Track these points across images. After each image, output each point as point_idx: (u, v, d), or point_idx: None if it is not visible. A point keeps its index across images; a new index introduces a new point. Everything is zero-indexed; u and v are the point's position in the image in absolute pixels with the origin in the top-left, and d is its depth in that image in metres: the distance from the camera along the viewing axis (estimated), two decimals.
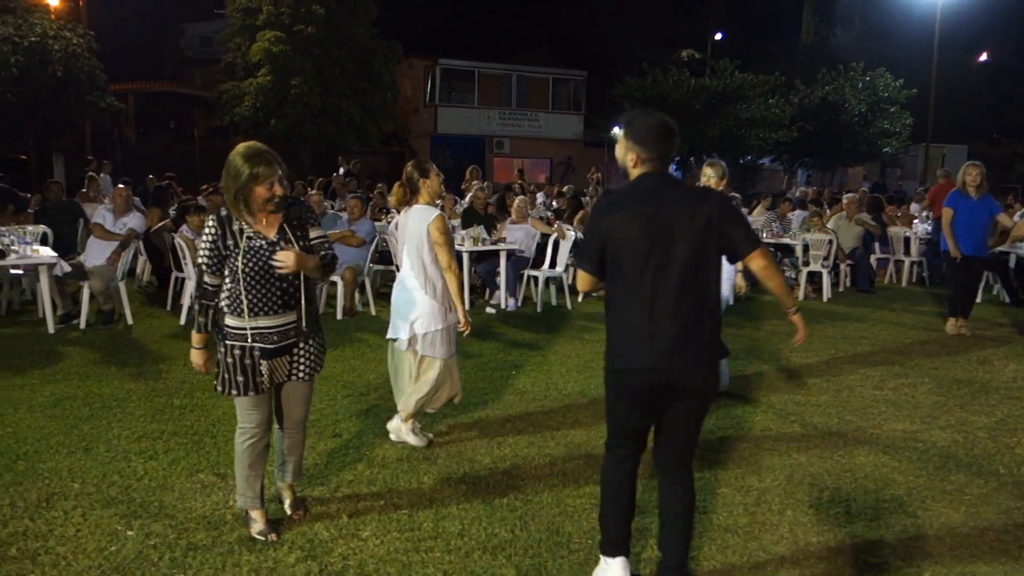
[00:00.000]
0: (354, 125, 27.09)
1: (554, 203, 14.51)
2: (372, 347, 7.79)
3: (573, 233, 10.50)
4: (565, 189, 18.50)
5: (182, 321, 8.72)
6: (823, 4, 41.50)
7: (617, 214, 3.21)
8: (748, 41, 39.40)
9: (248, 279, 3.61)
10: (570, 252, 10.25)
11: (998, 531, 4.20)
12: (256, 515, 3.94)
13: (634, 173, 3.32)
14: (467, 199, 13.38)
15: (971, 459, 5.22)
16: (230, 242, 3.62)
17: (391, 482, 4.66)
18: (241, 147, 3.60)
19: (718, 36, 41.44)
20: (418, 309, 5.00)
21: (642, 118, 3.30)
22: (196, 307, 3.77)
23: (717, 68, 30.26)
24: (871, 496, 4.60)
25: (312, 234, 3.82)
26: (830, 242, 11.29)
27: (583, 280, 3.40)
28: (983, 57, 41.16)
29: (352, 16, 26.84)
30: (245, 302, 3.62)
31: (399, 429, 5.23)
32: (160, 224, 9.84)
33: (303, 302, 3.77)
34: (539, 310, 10.02)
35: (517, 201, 10.67)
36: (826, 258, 11.29)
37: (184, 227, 8.77)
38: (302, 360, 3.86)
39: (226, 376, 3.72)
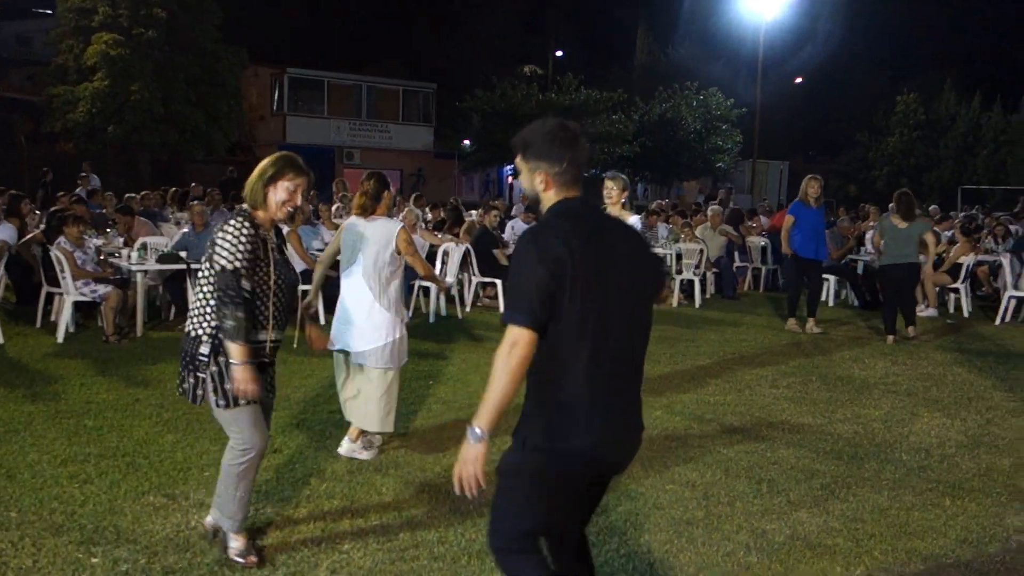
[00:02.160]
0: (199, 133, 26.06)
1: (428, 214, 14.55)
2: (284, 362, 7.57)
3: (459, 245, 10.61)
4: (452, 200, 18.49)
5: (59, 339, 8.15)
6: (656, 24, 43.61)
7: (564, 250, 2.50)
8: (588, 58, 40.78)
9: (278, 291, 3.57)
10: (459, 263, 10.39)
11: (921, 511, 4.63)
12: (242, 536, 3.77)
13: (548, 199, 2.67)
14: (335, 209, 13.30)
15: (876, 448, 5.71)
16: (259, 251, 3.51)
17: (351, 495, 4.61)
18: (277, 153, 3.70)
19: (559, 53, 42.71)
20: (374, 320, 5.05)
21: (534, 128, 2.70)
22: (234, 319, 3.38)
23: (563, 83, 31.25)
24: (803, 485, 4.96)
25: None
26: (701, 251, 11.93)
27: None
28: (799, 80, 44.43)
29: (196, 20, 25.83)
30: (272, 314, 3.54)
31: (352, 449, 5.18)
32: (29, 236, 9.17)
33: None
34: (431, 320, 10.05)
35: (406, 212, 10.66)
36: (697, 266, 11.92)
37: (61, 239, 8.21)
38: (272, 377, 3.85)
39: (227, 387, 3.46)
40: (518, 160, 2.71)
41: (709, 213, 13.50)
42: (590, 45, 44.51)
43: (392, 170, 32.55)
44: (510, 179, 36.04)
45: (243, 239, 3.43)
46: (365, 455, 5.15)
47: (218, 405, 3.52)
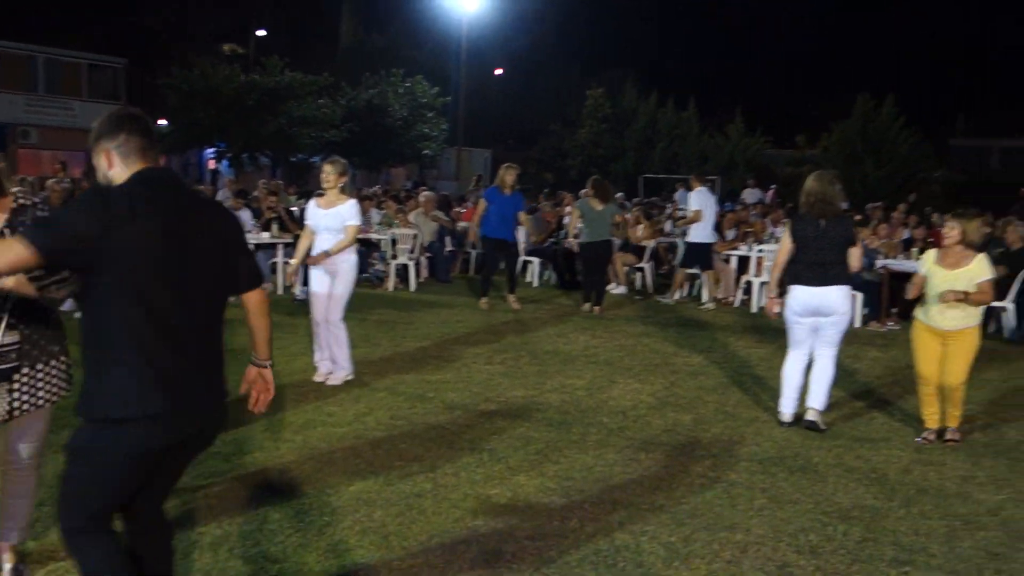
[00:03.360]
0: None
1: None
2: None
3: None
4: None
5: None
6: (360, 8, 43.49)
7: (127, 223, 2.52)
8: (292, 40, 39.85)
9: None
10: None
11: (621, 466, 5.20)
12: None
13: (118, 176, 2.67)
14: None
15: (581, 414, 6.27)
16: None
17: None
18: None
19: (261, 32, 41.31)
20: None
21: (102, 118, 2.77)
22: None
23: (267, 65, 30.34)
24: (520, 452, 5.36)
25: None
26: (415, 236, 12.24)
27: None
28: (499, 72, 46.46)
29: None
30: None
31: None
32: None
33: (29, 320, 3.26)
34: None
35: None
36: (412, 251, 12.22)
37: None
38: (27, 388, 3.29)
39: None
40: (93, 158, 2.73)
41: (422, 199, 13.86)
42: (294, 26, 43.47)
43: (77, 151, 29.89)
44: (212, 163, 34.41)
45: None
46: None
47: None
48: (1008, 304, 9.67)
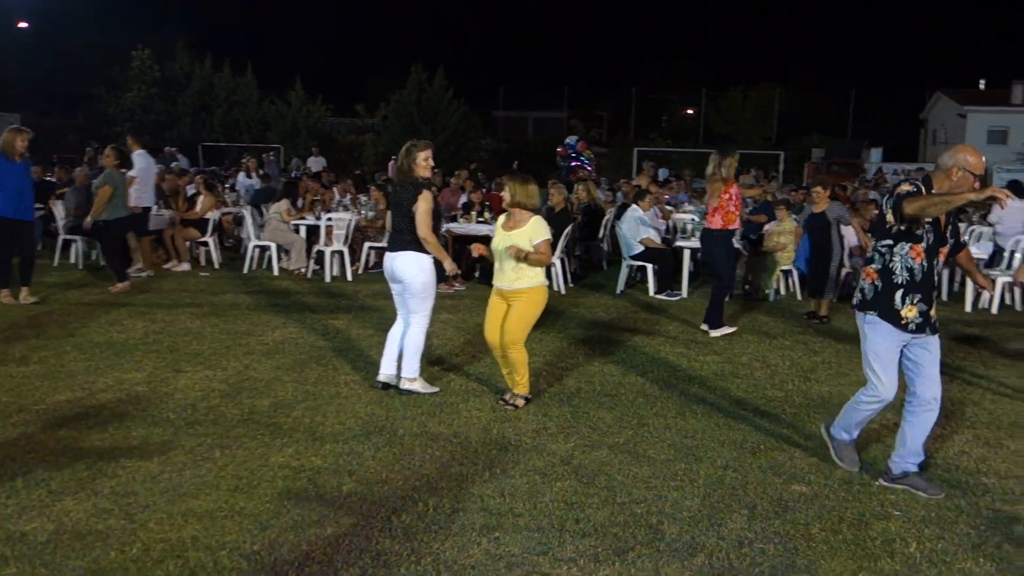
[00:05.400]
0: None
1: None
2: None
3: None
4: None
5: None
6: None
7: None
8: None
9: None
10: None
11: (193, 468, 4.59)
12: None
13: None
14: None
15: (142, 412, 5.49)
16: None
17: None
18: None
19: None
20: None
21: None
22: None
23: None
24: (66, 470, 4.51)
25: None
26: None
27: None
28: (24, 25, 40.61)
29: None
30: None
31: None
32: None
33: None
34: None
35: None
36: None
37: None
38: None
39: None
40: None
41: None
42: None
43: None
44: None
45: None
46: None
47: None
48: (556, 260, 10.52)
